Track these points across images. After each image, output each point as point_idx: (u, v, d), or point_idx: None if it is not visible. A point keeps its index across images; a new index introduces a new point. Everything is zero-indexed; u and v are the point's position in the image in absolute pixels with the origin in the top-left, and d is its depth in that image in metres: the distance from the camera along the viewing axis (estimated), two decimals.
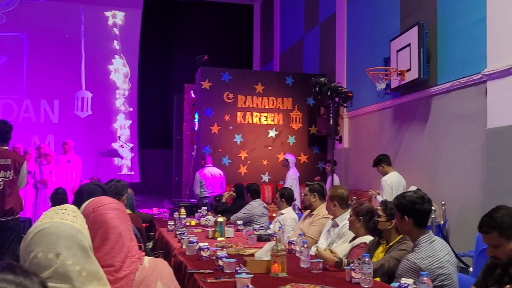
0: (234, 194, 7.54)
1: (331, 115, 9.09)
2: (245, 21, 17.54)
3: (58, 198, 7.14)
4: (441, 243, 3.07)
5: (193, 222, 6.37)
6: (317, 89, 8.95)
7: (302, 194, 6.10)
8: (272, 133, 11.44)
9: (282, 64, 14.95)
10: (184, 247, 4.24)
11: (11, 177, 5.20)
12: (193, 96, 12.60)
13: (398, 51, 8.10)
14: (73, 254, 1.47)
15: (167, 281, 2.05)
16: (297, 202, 9.13)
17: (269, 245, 3.51)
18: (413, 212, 3.11)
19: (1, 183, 5.14)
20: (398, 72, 8.02)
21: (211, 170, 9.92)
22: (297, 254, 3.88)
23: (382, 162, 7.14)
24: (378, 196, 7.18)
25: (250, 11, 17.56)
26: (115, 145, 15.76)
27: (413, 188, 7.35)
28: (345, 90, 8.79)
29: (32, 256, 1.44)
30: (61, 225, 1.51)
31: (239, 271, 3.00)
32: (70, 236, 1.49)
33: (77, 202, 2.24)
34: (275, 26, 15.58)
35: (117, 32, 16.66)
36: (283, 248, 3.33)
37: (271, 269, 3.25)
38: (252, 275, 2.91)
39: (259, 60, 17.14)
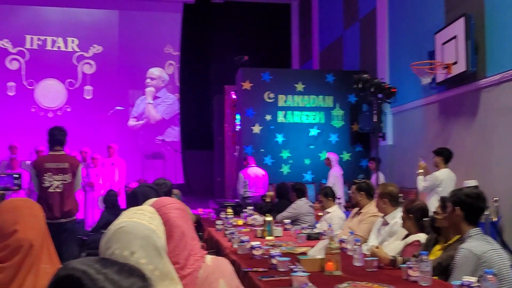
0: (272, 193, 7.58)
1: (374, 112, 8.99)
2: (283, 20, 17.49)
3: (109, 200, 7.37)
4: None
5: (240, 222, 6.40)
6: (359, 86, 8.88)
7: (350, 192, 6.05)
8: (313, 132, 11.37)
9: (322, 62, 14.85)
10: (235, 246, 4.25)
11: (69, 181, 5.33)
12: (234, 97, 12.66)
13: (443, 43, 7.93)
14: (146, 253, 1.50)
15: (229, 279, 2.05)
16: (342, 200, 9.06)
17: (322, 243, 3.49)
18: (465, 205, 3.10)
19: (61, 186, 5.28)
20: (444, 66, 7.85)
21: (254, 170, 9.97)
22: (349, 253, 3.84)
23: (442, 155, 6.94)
24: (420, 177, 6.98)
25: (287, 10, 17.51)
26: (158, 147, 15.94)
27: (473, 182, 7.04)
28: (388, 86, 8.69)
29: (109, 252, 1.49)
30: (138, 225, 1.55)
31: (294, 270, 2.99)
32: (145, 236, 1.52)
33: (133, 204, 2.27)
34: (313, 24, 15.49)
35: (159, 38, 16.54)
36: (337, 246, 3.30)
37: (325, 267, 3.23)
38: (309, 273, 2.89)
39: (298, 59, 17.07)
